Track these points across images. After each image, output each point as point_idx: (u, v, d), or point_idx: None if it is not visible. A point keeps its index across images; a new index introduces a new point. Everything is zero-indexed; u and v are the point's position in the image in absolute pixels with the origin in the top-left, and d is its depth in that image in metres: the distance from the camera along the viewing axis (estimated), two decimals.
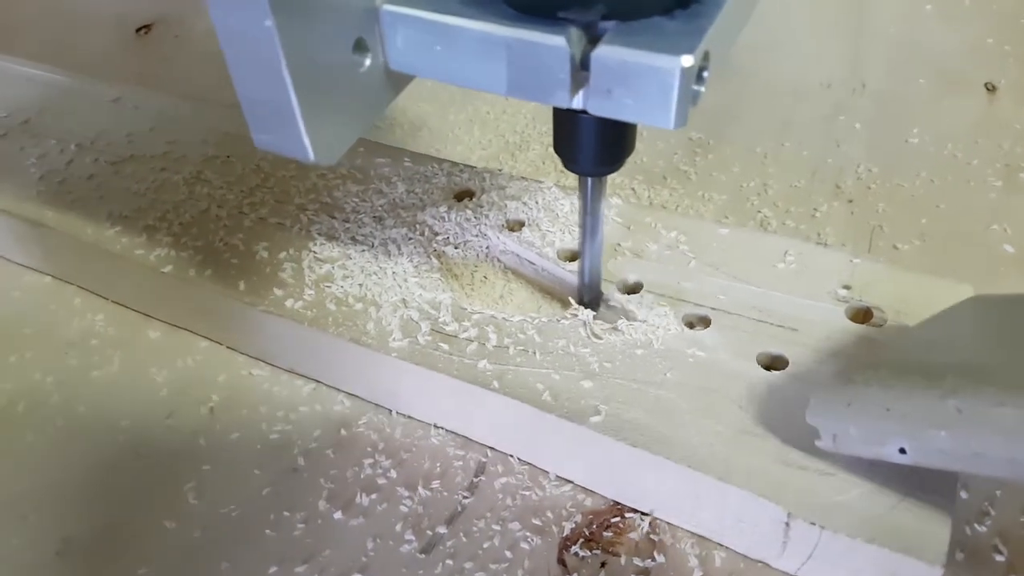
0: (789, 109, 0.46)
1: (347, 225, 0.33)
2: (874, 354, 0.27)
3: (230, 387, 0.32)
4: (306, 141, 0.20)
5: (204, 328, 0.33)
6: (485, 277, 0.32)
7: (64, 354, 0.34)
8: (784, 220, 0.38)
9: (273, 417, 0.30)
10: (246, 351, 0.33)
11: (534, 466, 0.29)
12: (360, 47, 0.21)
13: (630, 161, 0.42)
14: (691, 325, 0.29)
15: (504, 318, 0.29)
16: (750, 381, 0.27)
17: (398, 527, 0.27)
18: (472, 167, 0.36)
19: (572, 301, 0.30)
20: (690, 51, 0.18)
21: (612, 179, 0.41)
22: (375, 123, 0.22)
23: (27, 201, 0.36)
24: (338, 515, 0.27)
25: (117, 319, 0.35)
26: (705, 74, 0.20)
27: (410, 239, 0.33)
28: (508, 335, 0.29)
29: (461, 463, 0.29)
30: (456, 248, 0.33)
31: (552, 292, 0.31)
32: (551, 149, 0.43)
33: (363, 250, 0.32)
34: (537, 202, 0.34)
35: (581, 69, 0.20)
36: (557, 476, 0.28)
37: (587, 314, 0.29)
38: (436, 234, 0.33)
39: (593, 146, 0.24)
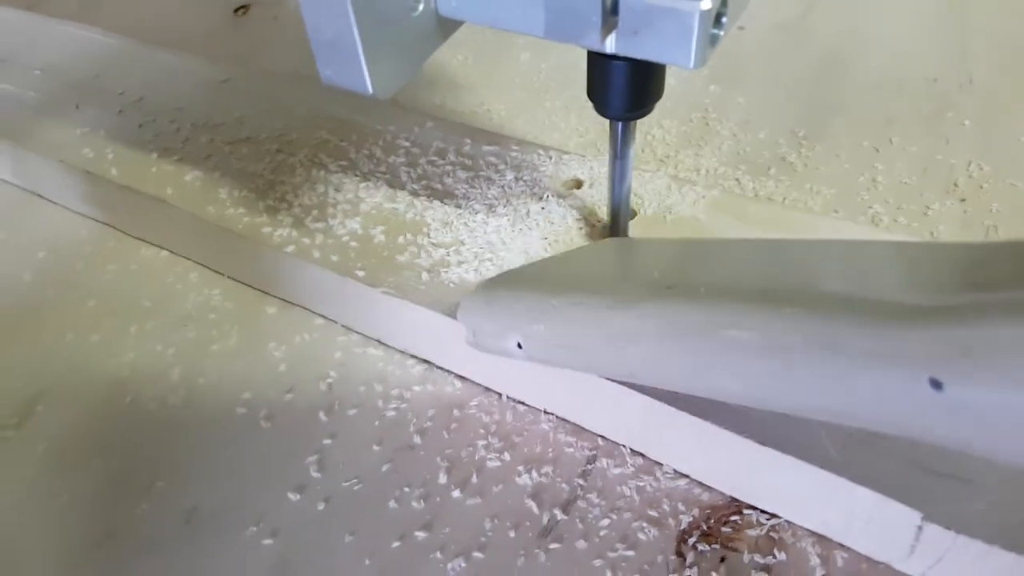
0: (893, 103, 0.45)
1: (459, 211, 0.34)
2: None
3: (346, 364, 0.32)
4: (366, 76, 0.22)
5: (321, 306, 0.34)
6: None
7: (183, 327, 0.35)
8: (896, 217, 0.37)
9: (388, 395, 0.31)
10: (361, 330, 0.33)
11: (647, 457, 0.29)
12: None
13: (732, 150, 0.42)
14: None
15: None
16: None
17: (515, 509, 0.27)
18: (580, 155, 0.36)
19: None
20: None
21: (715, 169, 0.41)
22: (424, 65, 0.25)
23: (147, 178, 0.38)
24: (456, 493, 0.28)
25: (233, 294, 0.36)
26: (724, 19, 0.22)
27: (520, 227, 0.33)
28: None
29: (573, 450, 0.29)
30: (566, 236, 0.33)
31: None
32: (649, 136, 0.43)
33: (476, 237, 0.33)
34: (647, 191, 0.34)
35: (611, 13, 0.22)
36: (672, 469, 0.28)
37: None
38: (550, 223, 0.33)
39: (622, 90, 0.26)
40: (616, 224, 0.31)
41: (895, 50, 0.50)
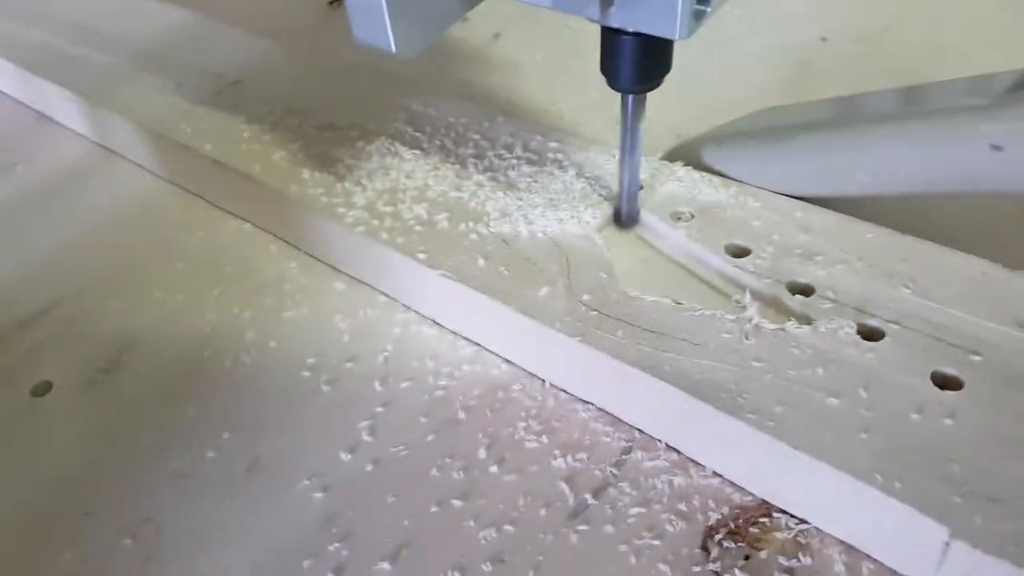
0: None
1: (519, 203, 0.35)
2: None
3: (403, 340, 0.35)
4: (390, 36, 0.25)
5: (384, 284, 0.36)
6: (646, 261, 0.33)
7: (260, 294, 0.38)
8: None
9: (439, 372, 0.33)
10: (419, 310, 0.35)
11: (682, 454, 0.29)
12: None
13: None
14: (864, 335, 0.28)
15: (669, 305, 0.30)
16: (922, 398, 0.26)
17: (547, 489, 0.29)
18: (645, 157, 0.37)
19: (742, 298, 0.30)
20: None
21: None
22: (452, 28, 0.28)
23: (237, 155, 0.41)
24: (494, 468, 0.29)
25: (308, 268, 0.39)
26: None
27: (579, 221, 0.34)
28: (671, 323, 0.30)
29: (609, 439, 0.30)
30: (623, 234, 0.34)
31: (718, 287, 0.32)
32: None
33: (534, 229, 0.34)
34: (706, 195, 0.35)
35: None
36: (705, 467, 0.29)
37: (754, 311, 0.29)
38: (606, 219, 0.34)
39: (629, 63, 0.28)
40: (623, 195, 0.33)
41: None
